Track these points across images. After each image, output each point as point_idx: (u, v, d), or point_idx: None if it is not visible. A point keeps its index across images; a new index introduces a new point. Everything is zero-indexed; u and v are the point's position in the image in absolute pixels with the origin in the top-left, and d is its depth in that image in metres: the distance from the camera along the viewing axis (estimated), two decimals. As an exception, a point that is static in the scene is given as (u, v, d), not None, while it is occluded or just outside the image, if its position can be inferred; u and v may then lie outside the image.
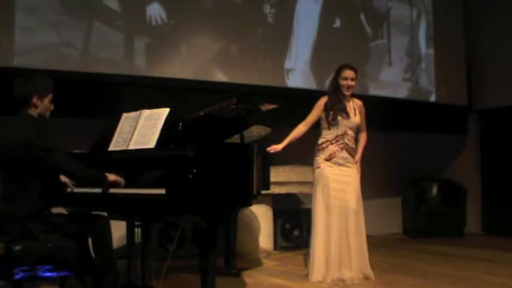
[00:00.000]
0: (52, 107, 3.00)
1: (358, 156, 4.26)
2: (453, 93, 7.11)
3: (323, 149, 4.16)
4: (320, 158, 4.16)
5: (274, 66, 5.76)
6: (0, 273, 2.74)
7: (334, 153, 4.13)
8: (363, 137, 4.33)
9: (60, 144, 2.89)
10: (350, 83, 4.17)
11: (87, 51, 4.78)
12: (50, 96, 2.95)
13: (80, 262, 2.90)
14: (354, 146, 4.22)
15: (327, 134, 4.17)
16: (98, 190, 2.98)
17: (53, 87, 2.98)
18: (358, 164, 4.25)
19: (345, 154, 4.14)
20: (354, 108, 4.23)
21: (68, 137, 3.44)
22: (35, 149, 2.75)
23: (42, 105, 2.91)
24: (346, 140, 4.16)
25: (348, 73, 4.17)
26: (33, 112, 2.90)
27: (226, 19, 5.47)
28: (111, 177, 2.95)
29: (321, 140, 4.20)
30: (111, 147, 3.30)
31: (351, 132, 4.19)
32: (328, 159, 4.13)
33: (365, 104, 4.34)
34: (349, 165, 4.17)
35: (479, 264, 4.87)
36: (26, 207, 2.75)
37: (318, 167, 4.15)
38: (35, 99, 2.88)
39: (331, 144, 4.14)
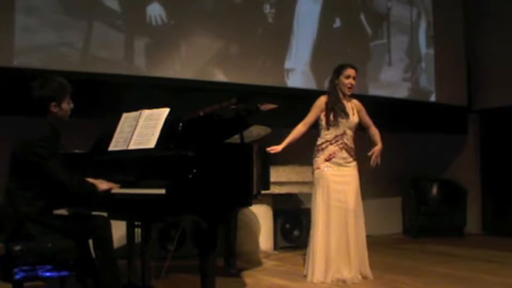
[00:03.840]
0: (71, 106, 2.99)
1: (379, 146, 4.25)
2: (453, 93, 7.11)
3: (322, 149, 4.16)
4: (320, 159, 4.15)
5: (274, 66, 5.76)
6: (0, 273, 2.74)
7: (334, 153, 4.13)
8: (374, 130, 4.34)
9: (59, 155, 2.89)
10: (352, 81, 4.17)
11: (87, 51, 4.78)
12: (67, 99, 2.95)
13: (80, 262, 2.90)
14: (352, 145, 4.21)
15: (326, 134, 4.17)
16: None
17: (69, 88, 2.96)
18: (378, 153, 4.24)
19: (344, 154, 4.14)
20: (352, 108, 4.23)
21: (68, 137, 3.44)
22: (31, 153, 2.76)
23: (60, 110, 2.91)
24: (345, 140, 4.16)
25: (351, 71, 4.17)
26: (51, 118, 2.90)
27: (226, 19, 5.47)
28: (103, 185, 2.94)
29: (320, 141, 4.20)
30: (111, 147, 3.30)
31: (349, 132, 4.19)
32: (328, 160, 4.12)
33: (362, 102, 4.35)
34: (349, 165, 4.16)
35: (479, 264, 4.87)
36: (25, 208, 2.76)
37: (318, 168, 4.15)
38: (52, 107, 2.88)
39: (331, 144, 4.14)
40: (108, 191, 2.95)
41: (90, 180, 2.96)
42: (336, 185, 4.08)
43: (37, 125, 2.89)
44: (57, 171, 2.82)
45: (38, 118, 2.91)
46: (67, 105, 2.95)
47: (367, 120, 4.33)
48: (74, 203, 3.20)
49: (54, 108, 2.89)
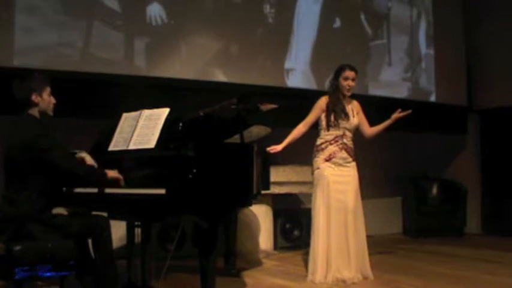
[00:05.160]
0: (53, 101, 3.02)
1: (391, 120, 4.24)
2: (453, 93, 7.11)
3: (322, 149, 4.16)
4: (319, 159, 4.15)
5: (274, 66, 5.75)
6: (0, 273, 2.74)
7: (334, 153, 4.13)
8: (372, 128, 4.32)
9: (60, 144, 2.91)
10: (351, 83, 4.17)
11: (87, 51, 4.77)
12: (47, 90, 2.98)
13: (80, 262, 2.91)
14: (352, 146, 4.21)
15: (325, 135, 4.17)
16: (95, 190, 3.00)
17: (49, 80, 3.01)
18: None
19: (344, 154, 4.14)
20: (352, 109, 4.23)
21: (68, 137, 3.44)
22: (33, 149, 2.77)
23: (42, 100, 2.94)
24: (345, 140, 4.16)
25: (349, 73, 4.17)
26: (34, 111, 2.93)
27: (226, 19, 5.47)
28: (111, 173, 2.98)
29: (319, 141, 4.20)
30: (111, 147, 3.30)
31: (349, 133, 4.19)
32: (328, 160, 4.12)
33: (361, 102, 4.35)
34: (348, 165, 4.16)
35: (479, 264, 4.87)
36: (25, 207, 2.76)
37: (318, 168, 4.15)
38: (33, 97, 2.91)
39: (331, 144, 4.14)
40: (111, 185, 2.96)
41: None
42: (336, 185, 4.08)
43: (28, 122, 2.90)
44: (64, 159, 2.86)
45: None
46: (48, 97, 2.98)
47: (365, 121, 4.32)
48: (74, 202, 3.20)
49: (35, 99, 2.92)
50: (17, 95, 2.93)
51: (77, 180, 3.06)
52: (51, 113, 3.03)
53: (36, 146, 2.78)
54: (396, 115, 4.25)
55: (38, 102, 2.93)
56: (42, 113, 2.97)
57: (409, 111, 4.24)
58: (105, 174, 2.96)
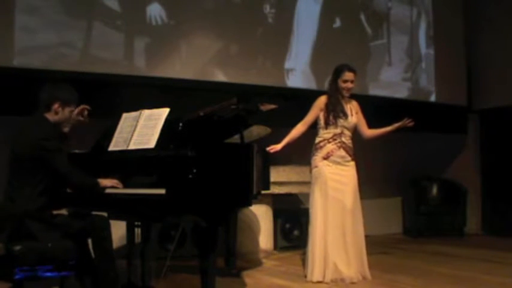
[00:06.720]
0: (72, 121, 3.06)
1: (392, 127, 4.27)
2: (453, 93, 7.12)
3: (320, 147, 4.16)
4: (318, 157, 4.15)
5: (274, 66, 5.76)
6: (0, 273, 2.74)
7: (332, 151, 4.13)
8: (371, 130, 4.33)
9: (63, 150, 2.92)
10: (350, 85, 4.17)
11: (87, 51, 4.78)
12: (71, 107, 3.00)
13: (80, 262, 2.91)
14: (351, 145, 4.21)
15: (324, 133, 4.17)
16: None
17: (77, 99, 3.03)
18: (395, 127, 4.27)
19: (342, 153, 4.14)
20: (351, 109, 4.23)
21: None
22: (40, 148, 2.78)
23: (62, 113, 2.96)
24: (343, 139, 4.16)
25: (348, 75, 4.16)
26: (50, 116, 2.94)
27: (226, 19, 5.47)
28: (107, 183, 2.97)
29: (318, 139, 4.20)
30: (111, 147, 3.31)
31: (347, 132, 4.19)
32: (326, 158, 4.12)
33: (360, 103, 4.35)
34: (347, 164, 4.16)
35: (479, 264, 4.87)
36: (25, 205, 2.77)
37: (316, 166, 4.15)
38: (56, 106, 2.93)
39: (329, 142, 4.14)
40: (108, 189, 2.95)
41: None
42: (333, 184, 4.08)
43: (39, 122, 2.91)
44: (62, 164, 2.86)
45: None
46: (68, 114, 3.00)
47: (363, 121, 4.32)
48: (75, 202, 3.20)
49: (57, 108, 2.93)
50: (41, 96, 2.96)
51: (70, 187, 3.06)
52: (64, 128, 3.04)
53: (43, 145, 2.79)
54: (398, 124, 4.25)
55: (57, 112, 2.94)
56: (57, 124, 2.98)
57: (412, 123, 4.22)
58: (96, 185, 2.93)
